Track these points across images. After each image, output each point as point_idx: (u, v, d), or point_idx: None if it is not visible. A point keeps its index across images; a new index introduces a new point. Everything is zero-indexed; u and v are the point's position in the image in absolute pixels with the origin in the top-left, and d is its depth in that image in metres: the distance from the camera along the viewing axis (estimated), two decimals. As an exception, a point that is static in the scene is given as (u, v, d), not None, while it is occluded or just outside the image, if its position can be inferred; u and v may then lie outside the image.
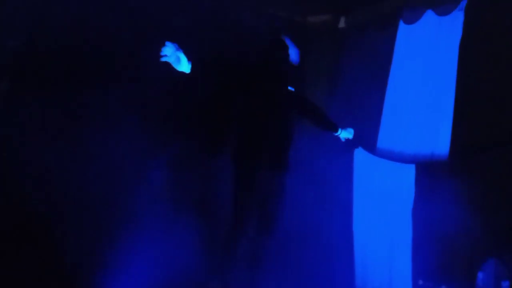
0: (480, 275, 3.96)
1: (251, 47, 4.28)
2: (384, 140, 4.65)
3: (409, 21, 4.43)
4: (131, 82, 4.32)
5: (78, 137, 4.19)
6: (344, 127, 4.22)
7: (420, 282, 4.32)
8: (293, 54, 4.27)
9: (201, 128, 4.69)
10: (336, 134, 4.19)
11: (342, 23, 5.03)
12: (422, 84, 4.33)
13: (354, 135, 4.28)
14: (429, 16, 4.31)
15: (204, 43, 4.34)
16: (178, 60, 3.53)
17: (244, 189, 3.94)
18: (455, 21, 4.11)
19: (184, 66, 3.57)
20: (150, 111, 4.48)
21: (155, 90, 4.40)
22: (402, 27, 4.49)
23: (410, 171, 4.40)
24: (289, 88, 3.95)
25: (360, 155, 4.85)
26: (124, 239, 4.11)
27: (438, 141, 4.20)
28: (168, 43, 3.48)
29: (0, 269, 3.76)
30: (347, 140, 4.26)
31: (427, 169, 4.32)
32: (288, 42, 4.09)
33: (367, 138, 4.70)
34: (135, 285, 3.99)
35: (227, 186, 4.04)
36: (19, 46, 4.15)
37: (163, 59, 3.49)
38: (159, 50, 3.48)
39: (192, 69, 3.60)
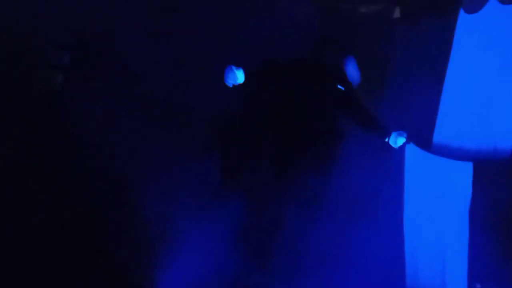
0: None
1: (299, 44, 4.21)
2: (440, 135, 4.49)
3: (470, 10, 4.26)
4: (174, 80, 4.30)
5: (128, 132, 4.18)
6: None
7: (478, 286, 4.18)
8: (355, 76, 4.22)
9: (242, 125, 4.63)
10: (386, 140, 4.08)
11: (397, 13, 4.87)
12: (484, 77, 4.17)
13: (406, 131, 4.16)
14: (493, 4, 4.14)
15: (252, 40, 4.31)
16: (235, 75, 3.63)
17: (290, 182, 3.97)
18: (520, 10, 3.95)
19: (240, 77, 3.65)
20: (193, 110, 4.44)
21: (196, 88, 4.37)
22: (463, 17, 4.30)
23: (467, 169, 4.24)
24: (339, 86, 3.89)
25: (412, 151, 4.68)
26: (164, 233, 4.09)
27: (501, 137, 4.04)
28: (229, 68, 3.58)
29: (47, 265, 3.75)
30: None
31: (486, 167, 4.17)
32: (352, 63, 4.00)
33: (420, 134, 4.54)
34: (174, 279, 3.96)
35: (269, 179, 4.02)
36: (71, 41, 4.17)
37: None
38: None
39: (246, 78, 3.66)
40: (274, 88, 4.07)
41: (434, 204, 4.46)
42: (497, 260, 4.09)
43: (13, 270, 3.64)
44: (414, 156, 4.64)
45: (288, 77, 3.89)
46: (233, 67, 3.58)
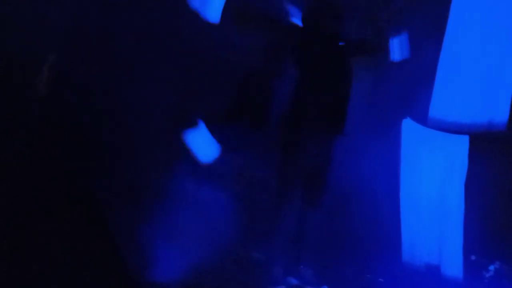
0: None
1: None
2: (436, 109, 4.48)
3: (467, -18, 4.23)
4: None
5: (127, 118, 4.16)
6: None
7: (473, 257, 4.21)
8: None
9: (246, 92, 4.57)
10: None
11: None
12: (480, 48, 4.15)
13: (402, 105, 4.15)
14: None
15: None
16: None
17: (292, 156, 3.87)
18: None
19: None
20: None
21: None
22: (459, -11, 4.28)
23: (463, 142, 4.27)
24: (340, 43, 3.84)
25: (408, 125, 4.69)
26: (165, 210, 4.07)
27: (497, 110, 4.04)
28: None
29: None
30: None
31: (482, 141, 4.19)
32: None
33: (417, 108, 4.54)
34: (172, 255, 3.94)
35: (273, 155, 3.96)
36: (68, 24, 4.13)
37: None
38: None
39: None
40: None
41: (431, 177, 4.47)
42: (492, 233, 4.13)
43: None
44: (410, 130, 4.67)
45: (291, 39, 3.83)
46: None
